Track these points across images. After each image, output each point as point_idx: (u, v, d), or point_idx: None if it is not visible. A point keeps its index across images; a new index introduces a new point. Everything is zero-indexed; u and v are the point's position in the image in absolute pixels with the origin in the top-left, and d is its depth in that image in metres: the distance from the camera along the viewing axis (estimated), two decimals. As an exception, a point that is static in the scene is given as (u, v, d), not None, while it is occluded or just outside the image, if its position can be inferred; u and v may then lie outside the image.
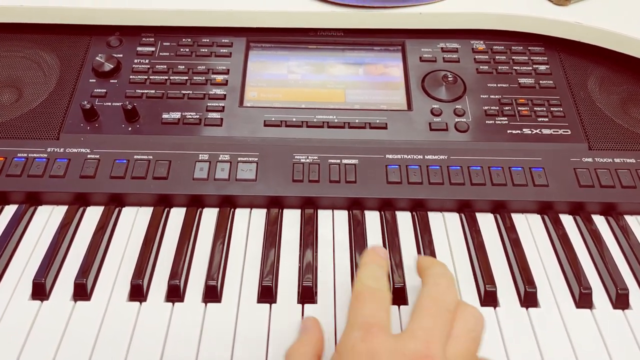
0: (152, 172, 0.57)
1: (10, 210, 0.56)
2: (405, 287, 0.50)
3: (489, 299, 0.50)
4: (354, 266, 0.52)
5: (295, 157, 0.59)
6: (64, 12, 0.68)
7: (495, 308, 0.49)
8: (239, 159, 0.59)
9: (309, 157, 0.59)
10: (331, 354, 0.39)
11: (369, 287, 0.41)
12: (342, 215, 0.57)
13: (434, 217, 0.57)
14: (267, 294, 0.49)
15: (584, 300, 0.50)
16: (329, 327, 0.47)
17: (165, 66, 0.68)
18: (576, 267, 0.52)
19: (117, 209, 0.57)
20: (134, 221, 0.56)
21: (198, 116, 0.63)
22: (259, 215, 0.57)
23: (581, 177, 0.58)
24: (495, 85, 0.67)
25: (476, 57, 0.70)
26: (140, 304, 0.49)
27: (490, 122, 0.63)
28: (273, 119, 0.63)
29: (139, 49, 0.70)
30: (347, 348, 0.37)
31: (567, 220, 0.57)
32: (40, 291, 0.49)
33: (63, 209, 0.56)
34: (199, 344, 0.46)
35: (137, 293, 0.49)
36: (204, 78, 0.67)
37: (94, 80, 0.66)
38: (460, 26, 0.71)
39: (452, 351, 0.36)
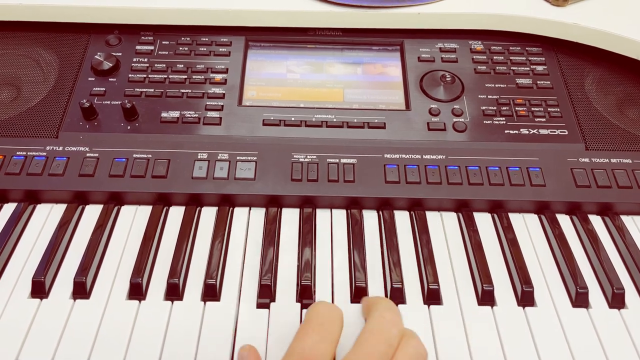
0: (151, 171, 0.57)
1: (9, 208, 0.56)
2: (403, 287, 0.51)
3: (486, 298, 0.50)
4: (352, 265, 0.52)
5: (294, 156, 0.59)
6: (63, 10, 0.69)
7: (492, 307, 0.50)
8: (237, 158, 0.59)
9: (308, 157, 0.59)
10: None
11: (320, 313, 0.40)
12: (340, 215, 0.57)
13: (432, 217, 0.57)
14: (266, 293, 0.49)
15: (580, 299, 0.50)
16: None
17: (164, 65, 0.68)
18: (573, 266, 0.52)
19: (116, 208, 0.57)
20: (133, 220, 0.56)
21: (197, 115, 0.63)
22: (258, 214, 0.57)
23: (578, 177, 0.58)
24: (493, 85, 0.67)
25: (474, 57, 0.70)
26: (140, 302, 0.49)
27: (488, 122, 0.64)
28: (272, 118, 0.63)
29: (138, 47, 0.70)
30: None
31: (563, 220, 0.58)
32: (39, 289, 0.49)
33: (62, 207, 0.56)
34: (198, 343, 0.46)
35: (136, 291, 0.49)
36: (202, 77, 0.67)
37: (93, 79, 0.66)
38: (459, 26, 0.71)
39: None
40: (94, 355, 0.45)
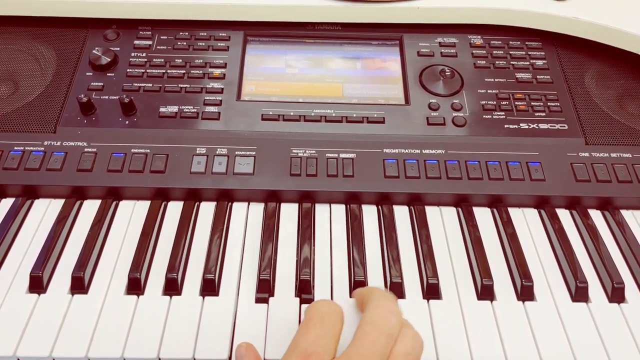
0: (150, 166, 0.57)
1: (7, 203, 0.56)
2: (402, 282, 0.50)
3: (485, 292, 0.50)
4: (351, 260, 0.52)
5: (293, 151, 0.59)
6: (61, 4, 0.68)
7: (492, 302, 0.50)
8: (236, 152, 0.59)
9: (307, 151, 0.59)
10: None
11: (320, 310, 0.40)
12: (339, 209, 0.57)
13: (432, 211, 0.57)
14: (265, 288, 0.49)
15: (580, 294, 0.50)
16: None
17: (162, 60, 0.68)
18: (572, 261, 0.52)
19: (114, 203, 0.57)
20: (131, 215, 0.56)
21: (195, 110, 0.63)
22: (257, 209, 0.57)
23: (578, 172, 0.58)
24: (492, 80, 0.67)
25: (474, 51, 0.70)
26: (138, 297, 0.49)
27: (488, 116, 0.63)
28: (271, 113, 0.63)
29: (136, 42, 0.69)
30: None
31: (563, 215, 0.57)
32: (37, 284, 0.49)
33: (60, 202, 0.56)
34: (197, 338, 0.46)
35: (135, 286, 0.49)
36: (201, 72, 0.66)
37: (91, 74, 0.66)
38: (458, 21, 0.71)
39: None
40: (92, 350, 0.45)
